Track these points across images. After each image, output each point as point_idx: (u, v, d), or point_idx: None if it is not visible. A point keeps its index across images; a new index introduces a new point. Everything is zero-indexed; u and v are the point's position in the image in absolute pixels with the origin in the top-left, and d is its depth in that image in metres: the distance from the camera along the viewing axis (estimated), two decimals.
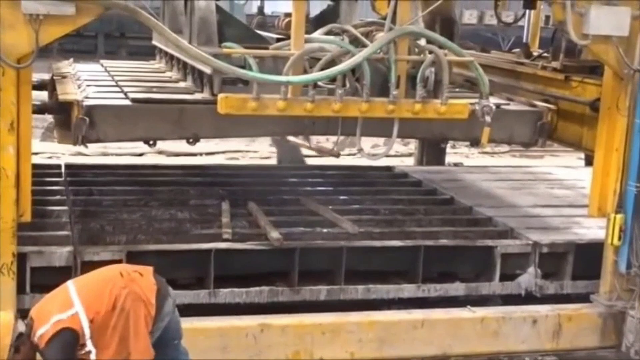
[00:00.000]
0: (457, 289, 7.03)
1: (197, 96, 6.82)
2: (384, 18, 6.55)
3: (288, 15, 8.24)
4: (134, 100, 6.66)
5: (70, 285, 4.74)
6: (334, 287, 6.74)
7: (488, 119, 6.44)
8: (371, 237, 7.11)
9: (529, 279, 7.14)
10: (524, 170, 10.90)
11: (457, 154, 15.97)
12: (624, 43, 6.57)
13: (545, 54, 9.15)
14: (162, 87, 7.30)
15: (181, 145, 11.45)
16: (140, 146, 12.06)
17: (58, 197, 7.68)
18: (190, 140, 6.67)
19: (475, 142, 7.12)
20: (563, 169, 11.05)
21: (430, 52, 6.35)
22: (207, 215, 7.38)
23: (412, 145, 13.84)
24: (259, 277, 6.69)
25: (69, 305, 4.58)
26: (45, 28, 5.46)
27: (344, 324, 6.49)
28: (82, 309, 4.56)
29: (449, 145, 12.67)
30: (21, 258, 6.01)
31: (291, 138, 7.84)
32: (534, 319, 6.85)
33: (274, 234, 6.71)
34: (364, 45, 6.26)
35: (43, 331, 4.54)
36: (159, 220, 7.20)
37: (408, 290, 6.89)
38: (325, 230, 7.15)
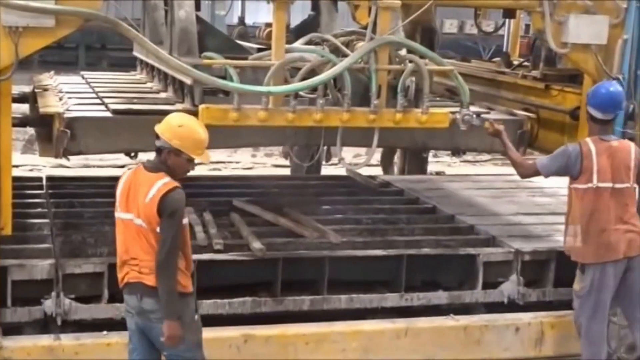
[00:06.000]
0: (440, 297, 7.03)
1: (178, 107, 6.79)
2: (365, 27, 6.56)
3: (269, 25, 8.24)
4: (114, 111, 6.64)
5: None
6: (317, 297, 6.73)
7: (474, 121, 6.48)
8: (354, 247, 7.10)
9: (511, 286, 7.15)
10: (505, 178, 10.90)
11: (439, 162, 16.01)
12: (603, 51, 6.62)
13: (525, 63, 9.19)
14: (142, 98, 7.27)
15: None
16: (122, 158, 12.04)
17: (39, 209, 7.63)
18: None
19: (456, 151, 7.15)
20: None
21: (411, 62, 6.37)
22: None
23: (394, 155, 13.86)
24: (242, 287, 6.68)
25: None
26: (24, 40, 5.45)
27: (327, 333, 6.50)
28: None
29: (430, 154, 12.69)
30: (2, 271, 5.98)
31: None
32: (517, 327, 6.88)
33: (257, 245, 6.69)
34: (345, 55, 6.27)
35: None
36: None
37: (391, 299, 6.88)
38: (308, 240, 7.15)
